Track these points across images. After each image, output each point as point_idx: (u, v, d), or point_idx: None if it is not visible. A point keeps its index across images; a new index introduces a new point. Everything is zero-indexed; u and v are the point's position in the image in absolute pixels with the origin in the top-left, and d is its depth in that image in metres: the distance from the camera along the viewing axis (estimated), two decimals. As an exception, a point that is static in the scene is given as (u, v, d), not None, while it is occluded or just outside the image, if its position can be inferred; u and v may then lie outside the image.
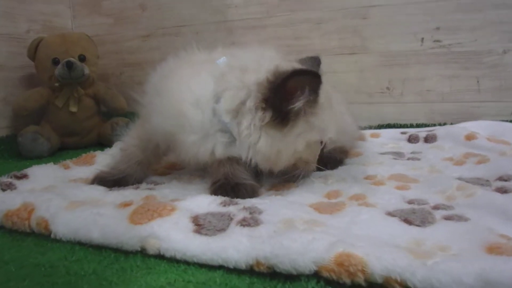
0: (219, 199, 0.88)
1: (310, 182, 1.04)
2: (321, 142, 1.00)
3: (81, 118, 1.91)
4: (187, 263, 0.70)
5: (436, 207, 0.82)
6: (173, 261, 0.71)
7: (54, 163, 1.27)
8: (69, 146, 1.91)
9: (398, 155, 1.36)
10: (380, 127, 1.75)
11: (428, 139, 1.51)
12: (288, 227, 0.73)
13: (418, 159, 1.29)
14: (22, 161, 1.71)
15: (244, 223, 0.75)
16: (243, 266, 0.65)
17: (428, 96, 1.74)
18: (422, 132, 1.56)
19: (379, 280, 0.57)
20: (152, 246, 0.73)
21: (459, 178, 1.01)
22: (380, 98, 1.79)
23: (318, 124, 0.92)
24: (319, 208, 0.85)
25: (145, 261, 0.72)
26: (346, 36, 1.81)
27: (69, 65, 1.77)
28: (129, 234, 0.75)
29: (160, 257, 0.73)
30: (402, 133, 1.61)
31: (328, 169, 1.17)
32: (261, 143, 0.91)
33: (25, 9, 2.03)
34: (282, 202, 0.88)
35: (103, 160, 1.35)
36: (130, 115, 1.99)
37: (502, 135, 1.44)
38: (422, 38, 1.71)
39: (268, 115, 0.89)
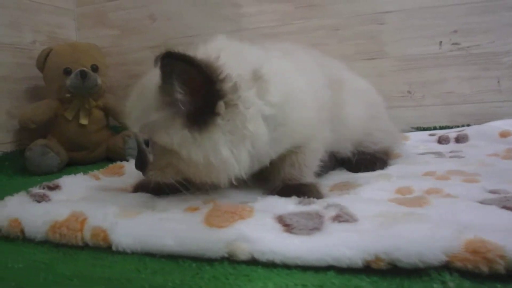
0: (294, 199, 0.83)
1: (372, 181, 1.00)
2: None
3: (90, 131, 1.80)
4: (286, 266, 0.63)
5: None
6: (269, 265, 0.64)
7: (84, 174, 1.17)
8: (76, 161, 1.79)
9: (438, 154, 1.35)
10: (403, 130, 1.73)
11: (460, 139, 1.51)
12: (392, 220, 0.67)
13: (462, 157, 1.27)
14: (30, 177, 1.59)
15: (340, 219, 0.69)
16: (359, 263, 0.59)
17: (449, 98, 1.75)
18: (451, 133, 1.55)
19: (522, 265, 0.52)
20: (243, 251, 0.65)
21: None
22: (401, 102, 1.79)
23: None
24: (403, 202, 0.80)
25: (236, 268, 0.64)
26: (363, 41, 1.81)
27: (83, 75, 1.69)
28: (212, 239, 0.67)
29: (251, 262, 0.65)
30: (431, 135, 1.60)
31: (376, 169, 1.15)
32: None
33: (30, 19, 1.94)
34: (358, 199, 0.84)
35: (132, 170, 1.27)
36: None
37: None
38: (440, 42, 1.73)
39: None
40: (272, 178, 0.95)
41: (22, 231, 0.82)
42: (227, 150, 0.76)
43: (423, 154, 1.37)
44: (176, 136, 0.76)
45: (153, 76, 0.79)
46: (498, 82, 1.70)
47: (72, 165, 1.77)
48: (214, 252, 0.67)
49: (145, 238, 0.72)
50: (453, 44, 1.71)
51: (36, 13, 1.98)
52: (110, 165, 1.30)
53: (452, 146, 1.49)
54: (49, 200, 0.95)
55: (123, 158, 1.76)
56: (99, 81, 1.75)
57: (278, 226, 0.70)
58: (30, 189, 1.00)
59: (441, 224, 0.62)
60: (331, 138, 1.00)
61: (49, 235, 0.79)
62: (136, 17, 2.14)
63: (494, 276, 0.54)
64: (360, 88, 1.22)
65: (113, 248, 0.74)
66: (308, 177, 0.94)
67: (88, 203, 0.86)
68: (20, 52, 1.87)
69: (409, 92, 1.78)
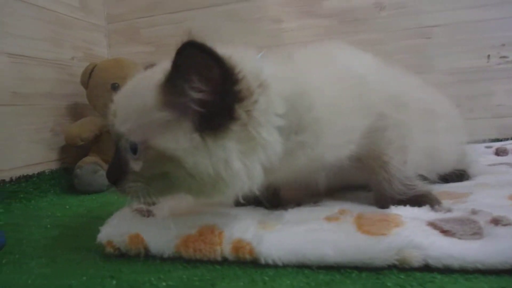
0: (426, 208, 0.82)
1: (474, 190, 1.00)
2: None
3: (135, 148, 1.77)
4: (464, 271, 0.62)
5: None
6: (443, 271, 0.63)
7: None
8: (119, 180, 1.75)
9: (509, 165, 1.36)
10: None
11: (517, 151, 1.53)
12: None
13: (535, 167, 1.30)
14: (79, 196, 1.56)
15: (502, 223, 0.69)
16: None
17: (498, 111, 1.79)
18: (508, 145, 1.58)
19: None
20: (416, 257, 0.64)
21: None
22: (451, 116, 1.81)
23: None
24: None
25: (412, 275, 0.63)
26: (409, 56, 1.84)
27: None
28: (379, 246, 0.66)
29: (422, 269, 0.64)
30: (487, 147, 1.62)
31: (464, 180, 1.16)
32: None
33: (69, 35, 1.92)
34: (489, 204, 0.83)
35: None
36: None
37: None
38: (488, 55, 1.77)
39: None
40: (376, 192, 0.93)
41: (146, 247, 0.78)
42: (240, 161, 0.67)
43: (493, 165, 1.38)
44: (183, 141, 0.65)
45: (149, 74, 0.75)
46: (549, 94, 1.75)
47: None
48: (383, 260, 0.65)
49: (300, 250, 0.69)
50: (501, 57, 1.76)
51: (73, 29, 1.97)
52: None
53: (510, 158, 1.51)
54: (154, 215, 0.91)
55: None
56: (147, 96, 1.73)
57: (437, 233, 0.69)
58: (132, 203, 0.96)
59: None
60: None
61: (181, 251, 0.76)
62: (171, 33, 2.12)
63: None
64: (445, 109, 1.21)
65: (262, 261, 0.71)
66: (418, 186, 0.92)
67: (213, 216, 0.82)
68: (60, 68, 1.84)
69: (457, 105, 1.81)
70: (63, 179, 1.69)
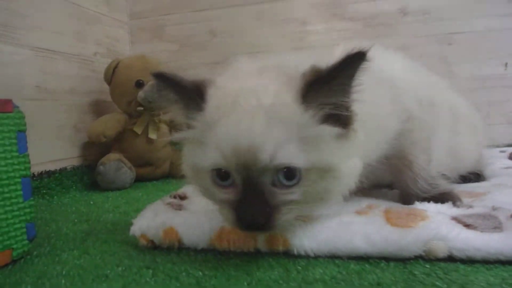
0: (449, 204, 0.84)
1: (492, 190, 1.02)
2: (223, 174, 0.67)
3: (158, 147, 1.80)
4: (485, 262, 0.66)
5: None
6: (466, 262, 0.67)
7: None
8: (141, 177, 1.78)
9: (522, 168, 1.39)
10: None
11: (530, 155, 1.56)
12: None
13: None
14: (103, 192, 1.59)
15: None
16: None
17: (513, 118, 1.81)
18: (521, 149, 1.61)
19: None
20: (441, 249, 0.68)
21: None
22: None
23: (202, 141, 0.67)
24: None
25: (437, 265, 0.67)
26: (431, 61, 1.87)
27: (160, 87, 1.69)
28: (407, 238, 0.69)
29: (446, 260, 0.68)
30: (501, 151, 1.65)
31: (480, 181, 1.20)
32: None
33: (92, 31, 1.95)
34: (503, 202, 0.85)
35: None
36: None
37: None
38: (506, 63, 1.80)
39: None
40: (401, 190, 0.96)
41: (180, 240, 0.81)
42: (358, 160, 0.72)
43: (507, 168, 1.41)
44: (337, 150, 0.66)
45: (270, 90, 0.66)
46: (559, 102, 1.77)
47: (137, 182, 1.75)
48: (411, 251, 0.68)
49: (332, 241, 0.72)
50: (518, 66, 1.79)
51: (97, 24, 1.99)
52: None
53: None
54: (186, 209, 0.95)
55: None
56: (170, 95, 1.76)
57: (460, 226, 0.71)
58: (163, 198, 0.99)
59: None
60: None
61: (215, 243, 0.79)
62: (196, 32, 2.15)
63: None
64: (467, 111, 1.24)
65: (295, 252, 0.74)
66: (441, 185, 0.95)
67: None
68: (84, 64, 1.87)
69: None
70: (86, 176, 1.72)
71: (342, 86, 0.65)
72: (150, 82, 1.71)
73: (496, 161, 1.56)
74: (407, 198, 0.93)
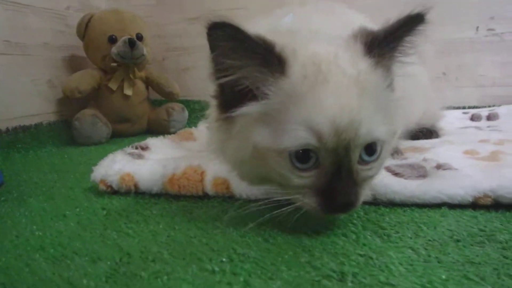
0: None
1: (437, 145, 1.08)
2: (307, 153, 0.58)
3: (134, 103, 1.82)
4: (404, 205, 0.73)
5: None
6: (387, 205, 0.74)
7: (163, 137, 1.23)
8: (118, 133, 1.81)
9: (478, 128, 1.46)
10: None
11: (491, 117, 1.62)
12: (490, 167, 0.77)
13: (500, 130, 1.39)
14: (79, 147, 1.62)
15: (444, 167, 0.79)
16: (469, 200, 0.71)
17: (481, 81, 1.86)
18: (483, 111, 1.67)
19: None
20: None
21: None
22: (437, 83, 1.88)
23: (278, 117, 0.58)
24: (481, 159, 0.90)
25: (362, 207, 0.74)
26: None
27: (132, 43, 1.68)
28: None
29: (371, 203, 0.75)
30: (464, 113, 1.71)
31: (433, 138, 1.25)
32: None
33: (63, -17, 1.89)
34: (442, 156, 0.92)
35: (202, 136, 1.33)
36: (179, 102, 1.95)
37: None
38: (477, 27, 1.82)
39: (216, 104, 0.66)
40: None
41: (136, 185, 0.88)
42: None
43: (463, 128, 1.48)
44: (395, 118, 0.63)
45: (346, 58, 0.60)
46: (526, 67, 1.81)
47: (114, 137, 1.79)
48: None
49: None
50: (488, 29, 1.81)
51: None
52: (180, 131, 1.35)
53: (486, 123, 1.59)
54: (145, 159, 1.00)
55: (166, 130, 1.80)
56: (145, 51, 1.75)
57: (388, 174, 0.79)
58: (125, 148, 1.05)
59: None
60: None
61: (167, 187, 0.85)
62: (175, -13, 2.09)
63: None
64: (416, 68, 1.28)
65: (237, 196, 0.81)
66: None
67: (199, 158, 0.91)
68: (56, 18, 1.85)
69: (444, 74, 1.88)
70: (63, 131, 1.75)
71: (400, 47, 0.62)
72: (123, 38, 1.71)
73: (457, 122, 1.63)
74: None
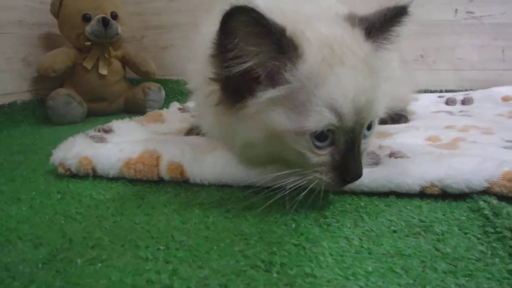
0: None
1: (402, 130, 1.09)
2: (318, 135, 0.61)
3: (110, 82, 1.80)
4: (353, 193, 0.75)
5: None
6: (336, 193, 0.75)
7: (129, 120, 1.22)
8: (95, 112, 1.80)
9: (450, 113, 1.46)
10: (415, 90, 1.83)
11: (465, 102, 1.63)
12: (440, 156, 0.78)
13: (471, 116, 1.40)
14: (54, 127, 1.61)
15: (396, 155, 0.80)
16: (416, 189, 0.72)
17: (459, 64, 1.85)
18: (458, 96, 1.67)
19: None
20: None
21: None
22: (414, 65, 1.88)
23: (298, 100, 0.60)
24: (440, 147, 0.91)
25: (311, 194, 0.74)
26: (384, 3, 1.85)
27: (105, 22, 1.65)
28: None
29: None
30: (439, 97, 1.71)
31: (401, 122, 1.25)
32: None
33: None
34: (401, 143, 0.93)
35: (171, 118, 1.33)
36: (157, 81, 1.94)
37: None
38: (456, 9, 1.80)
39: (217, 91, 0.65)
40: None
41: (94, 169, 0.88)
42: None
43: (436, 112, 1.48)
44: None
45: (353, 39, 0.64)
46: (503, 51, 1.81)
47: (90, 116, 1.77)
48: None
49: (223, 172, 0.80)
50: (467, 12, 1.79)
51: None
52: (149, 113, 1.35)
53: (459, 107, 1.60)
54: (108, 142, 1.00)
55: (143, 110, 1.79)
56: (120, 30, 1.72)
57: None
58: (87, 131, 1.04)
59: (485, 158, 0.74)
60: None
61: (123, 171, 0.85)
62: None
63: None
64: (391, 55, 1.28)
65: (191, 181, 0.81)
66: None
67: (157, 142, 0.91)
68: (30, -5, 1.79)
69: (421, 56, 1.87)
70: (38, 110, 1.73)
71: (387, 35, 0.68)
72: (97, 16, 1.67)
73: (431, 105, 1.63)
74: None
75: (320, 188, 0.65)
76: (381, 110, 0.66)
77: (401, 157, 0.80)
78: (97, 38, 1.69)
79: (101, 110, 1.82)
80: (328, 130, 0.61)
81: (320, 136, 0.61)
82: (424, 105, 1.64)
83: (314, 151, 0.62)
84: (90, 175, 0.89)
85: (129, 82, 1.96)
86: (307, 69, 0.59)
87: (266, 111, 0.61)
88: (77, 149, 0.90)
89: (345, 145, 0.62)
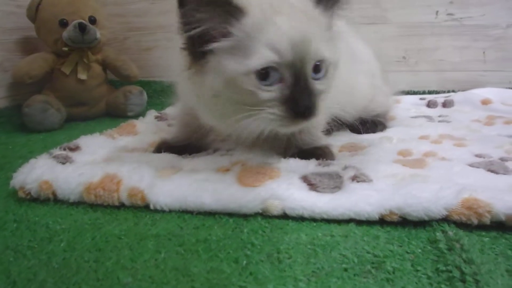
0: (313, 161, 0.91)
1: (376, 142, 1.08)
2: (265, 73, 0.73)
3: (90, 87, 1.77)
4: (313, 220, 0.73)
5: (504, 159, 0.92)
6: (297, 220, 0.74)
7: (100, 134, 1.20)
8: (75, 117, 1.77)
9: (429, 118, 1.46)
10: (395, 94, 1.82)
11: (446, 104, 1.63)
12: (402, 180, 0.78)
13: (449, 122, 1.39)
14: (30, 134, 1.57)
15: (358, 179, 0.79)
16: (375, 217, 0.71)
17: (440, 65, 1.84)
18: (439, 98, 1.67)
19: (503, 218, 0.67)
20: (276, 207, 0.74)
21: (499, 135, 1.15)
22: (396, 67, 1.86)
23: (243, 46, 0.72)
24: (406, 163, 0.90)
25: (270, 222, 0.73)
26: (366, 6, 1.83)
27: (82, 28, 1.62)
28: (248, 197, 0.75)
29: (282, 217, 0.75)
30: (421, 99, 1.71)
31: (377, 131, 1.25)
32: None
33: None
34: (368, 160, 0.93)
35: (145, 129, 1.31)
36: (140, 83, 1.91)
37: (510, 100, 1.56)
38: (437, 11, 1.79)
39: (186, 55, 0.78)
40: (285, 142, 1.00)
41: (54, 193, 0.86)
42: None
43: (415, 117, 1.48)
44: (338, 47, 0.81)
45: (302, 1, 0.78)
46: (484, 53, 1.80)
47: (71, 121, 1.75)
48: (250, 208, 0.75)
49: (183, 197, 0.78)
50: (448, 14, 1.78)
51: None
52: (123, 124, 1.32)
53: (440, 110, 1.60)
54: (73, 161, 0.98)
55: (124, 114, 1.79)
56: (98, 34, 1.69)
57: (304, 185, 0.78)
58: (52, 150, 1.02)
59: (443, 185, 0.73)
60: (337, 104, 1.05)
61: (83, 196, 0.84)
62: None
63: (481, 226, 0.69)
64: (366, 57, 1.27)
65: (151, 207, 0.80)
66: (320, 139, 1.01)
67: (119, 165, 0.90)
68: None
69: (404, 57, 1.85)
70: (14, 117, 1.70)
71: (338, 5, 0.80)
72: (74, 22, 1.64)
73: (412, 108, 1.63)
74: (288, 149, 0.99)
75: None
76: (325, 52, 0.75)
77: (364, 181, 0.78)
78: (74, 44, 1.66)
79: (81, 115, 1.80)
80: (271, 67, 0.72)
81: (266, 75, 0.72)
82: (405, 107, 1.64)
83: (262, 88, 0.72)
84: (51, 199, 0.87)
85: (111, 85, 1.93)
86: (250, 23, 0.72)
87: (221, 61, 0.73)
88: (38, 173, 0.88)
89: (291, 80, 0.73)
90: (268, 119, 0.74)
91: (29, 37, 1.85)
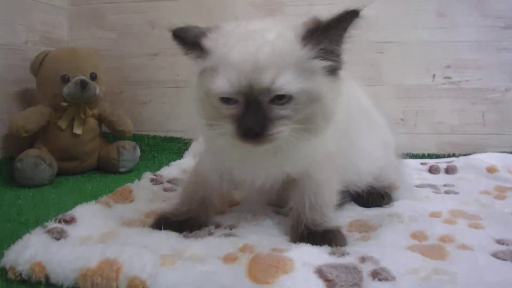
0: (326, 248, 0.87)
1: (385, 222, 1.05)
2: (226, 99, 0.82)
3: (84, 141, 1.75)
4: None
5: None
6: None
7: (95, 202, 1.15)
8: (66, 171, 1.73)
9: (434, 188, 1.43)
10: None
11: (449, 171, 1.61)
12: (426, 279, 0.73)
13: (457, 192, 1.36)
14: (20, 189, 1.52)
15: (380, 276, 0.74)
16: None
17: (439, 128, 1.86)
18: (441, 164, 1.65)
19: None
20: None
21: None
22: (395, 129, 1.86)
23: (213, 73, 0.82)
24: (425, 252, 0.86)
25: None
26: (363, 68, 1.87)
27: (83, 85, 1.63)
28: (259, 296, 0.70)
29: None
30: (422, 164, 1.69)
31: (383, 204, 1.21)
32: None
33: (24, 18, 1.84)
34: (384, 246, 0.89)
35: (141, 194, 1.27)
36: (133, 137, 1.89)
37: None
38: (434, 75, 1.83)
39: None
40: (293, 219, 0.97)
41: (46, 277, 0.80)
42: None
43: (419, 186, 1.44)
44: (324, 85, 0.82)
45: (274, 30, 0.82)
46: (483, 116, 1.82)
47: (60, 175, 1.70)
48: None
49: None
50: (445, 77, 1.82)
51: (30, 11, 1.88)
52: (118, 189, 1.27)
53: (443, 177, 1.57)
54: (68, 236, 0.92)
55: (116, 170, 1.76)
56: (98, 90, 1.70)
57: (320, 282, 0.73)
58: (46, 224, 0.96)
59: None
60: (347, 170, 1.04)
61: (79, 283, 0.77)
62: (136, 22, 2.10)
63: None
64: (382, 125, 1.25)
65: (155, 298, 0.74)
66: (330, 220, 0.97)
67: (118, 247, 0.84)
68: (12, 53, 1.78)
69: (402, 119, 1.87)
70: (5, 169, 1.65)
71: (336, 36, 0.81)
72: (75, 78, 1.65)
73: (414, 174, 1.60)
74: (295, 231, 0.95)
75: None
76: (289, 83, 0.78)
77: (386, 279, 0.73)
78: (73, 100, 1.66)
79: (72, 169, 1.76)
80: (226, 94, 0.80)
81: (226, 99, 0.81)
82: (407, 173, 1.60)
83: (223, 107, 0.82)
84: (43, 283, 0.80)
85: (104, 139, 1.90)
86: (215, 57, 0.82)
87: (203, 78, 0.86)
88: (31, 253, 0.82)
89: (243, 103, 0.79)
90: (224, 133, 0.83)
91: (28, 89, 1.84)
